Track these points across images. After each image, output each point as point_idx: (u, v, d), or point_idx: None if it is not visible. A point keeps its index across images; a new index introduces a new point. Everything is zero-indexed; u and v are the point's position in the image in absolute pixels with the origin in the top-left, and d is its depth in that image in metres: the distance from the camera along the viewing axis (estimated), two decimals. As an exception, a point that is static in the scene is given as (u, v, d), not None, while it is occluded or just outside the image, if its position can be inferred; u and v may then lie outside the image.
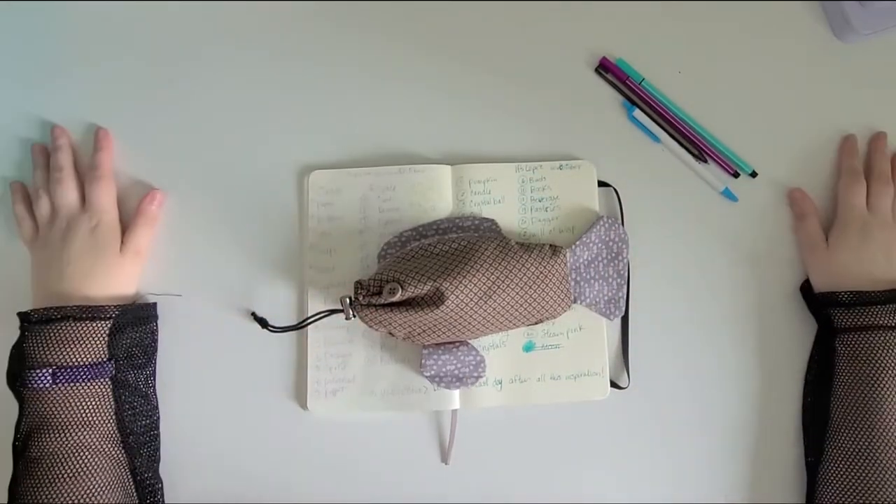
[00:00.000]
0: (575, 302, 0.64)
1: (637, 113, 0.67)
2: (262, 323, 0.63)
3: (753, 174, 0.67)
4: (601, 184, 0.67)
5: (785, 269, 0.66)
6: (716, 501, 0.63)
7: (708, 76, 0.69)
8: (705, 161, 0.68)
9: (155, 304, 0.64)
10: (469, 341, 0.63)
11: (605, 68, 0.68)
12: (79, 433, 0.57)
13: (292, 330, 0.63)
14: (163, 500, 0.62)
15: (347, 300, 0.59)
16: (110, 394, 0.59)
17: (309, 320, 0.62)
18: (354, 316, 0.59)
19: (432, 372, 0.62)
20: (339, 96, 0.68)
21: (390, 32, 0.69)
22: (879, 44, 0.69)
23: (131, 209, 0.65)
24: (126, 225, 0.65)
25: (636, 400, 0.65)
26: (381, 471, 0.64)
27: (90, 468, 0.57)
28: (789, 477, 0.64)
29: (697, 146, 0.68)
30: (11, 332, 0.59)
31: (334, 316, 0.62)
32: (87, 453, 0.57)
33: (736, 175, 0.67)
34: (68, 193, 0.63)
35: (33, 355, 0.58)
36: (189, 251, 0.66)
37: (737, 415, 0.64)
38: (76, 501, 0.56)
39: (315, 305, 0.64)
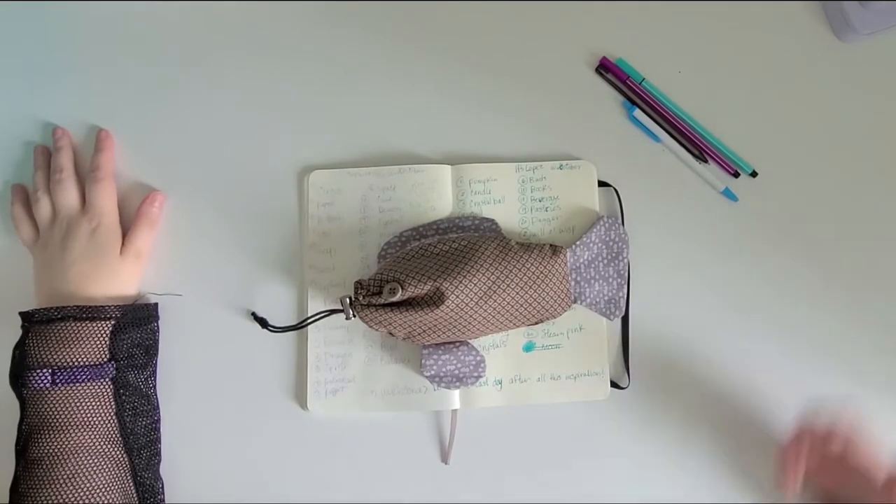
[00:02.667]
0: (575, 302, 0.63)
1: (637, 113, 0.67)
2: (262, 323, 0.63)
3: (753, 174, 0.67)
4: (601, 184, 0.67)
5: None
6: (716, 501, 0.63)
7: (708, 76, 0.69)
8: (705, 161, 0.68)
9: (156, 304, 0.64)
10: (469, 341, 0.63)
11: (605, 68, 0.68)
12: (78, 434, 0.57)
13: (292, 330, 0.63)
14: (163, 500, 0.62)
15: (347, 300, 0.59)
16: (111, 395, 0.59)
17: (309, 320, 0.62)
18: (354, 316, 0.59)
19: (432, 372, 0.62)
20: (339, 96, 0.68)
21: (390, 32, 0.69)
22: (879, 44, 0.69)
23: (132, 211, 0.65)
24: (127, 227, 0.64)
25: (636, 400, 0.64)
26: (381, 471, 0.64)
27: (89, 469, 0.57)
28: (790, 477, 0.64)
29: (697, 146, 0.67)
30: (14, 333, 0.59)
31: (334, 316, 0.62)
32: (86, 454, 0.57)
33: (736, 175, 0.67)
34: (69, 195, 0.63)
35: (34, 355, 0.57)
36: (189, 251, 0.66)
37: (737, 415, 0.64)
38: (74, 502, 0.56)
39: (315, 305, 0.64)
